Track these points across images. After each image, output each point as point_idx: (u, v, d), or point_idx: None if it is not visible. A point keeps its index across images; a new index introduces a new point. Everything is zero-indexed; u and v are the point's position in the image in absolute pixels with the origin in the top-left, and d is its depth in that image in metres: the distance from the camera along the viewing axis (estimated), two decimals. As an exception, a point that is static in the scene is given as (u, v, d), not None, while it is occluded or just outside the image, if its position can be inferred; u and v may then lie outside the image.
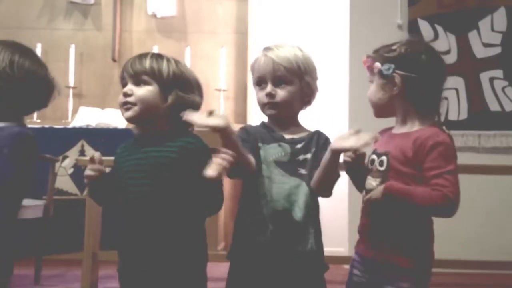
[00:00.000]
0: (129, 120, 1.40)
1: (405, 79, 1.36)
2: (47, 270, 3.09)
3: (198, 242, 1.39)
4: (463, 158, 3.37)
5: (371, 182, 1.38)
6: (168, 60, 1.43)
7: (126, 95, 1.38)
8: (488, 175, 3.15)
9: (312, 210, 1.43)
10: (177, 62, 1.44)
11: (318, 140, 1.47)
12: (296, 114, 1.52)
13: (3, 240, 1.34)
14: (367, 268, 1.43)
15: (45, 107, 1.53)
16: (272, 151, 1.44)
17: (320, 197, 1.46)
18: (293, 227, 1.40)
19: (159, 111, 1.39)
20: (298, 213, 1.40)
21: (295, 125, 1.51)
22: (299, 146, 1.45)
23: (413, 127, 1.38)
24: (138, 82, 1.39)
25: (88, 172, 1.36)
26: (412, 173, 1.32)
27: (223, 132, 1.30)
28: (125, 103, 1.38)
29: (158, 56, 1.43)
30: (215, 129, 1.29)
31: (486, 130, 3.56)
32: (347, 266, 3.43)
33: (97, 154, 1.37)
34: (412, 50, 1.38)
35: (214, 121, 1.29)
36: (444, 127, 1.37)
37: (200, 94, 1.46)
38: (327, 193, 1.44)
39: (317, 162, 1.42)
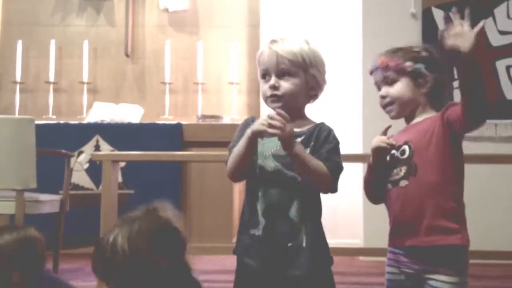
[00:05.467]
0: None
1: (434, 77, 1.49)
2: (65, 264, 3.13)
3: None
4: (479, 148, 3.37)
5: (397, 172, 1.44)
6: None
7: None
8: (508, 165, 3.10)
9: (308, 207, 1.39)
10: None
11: (319, 134, 1.43)
12: (302, 107, 1.49)
13: None
14: (403, 262, 1.43)
15: None
16: (271, 145, 1.41)
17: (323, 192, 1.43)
18: (284, 223, 1.37)
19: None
20: (290, 209, 1.38)
21: (301, 119, 1.47)
22: (298, 140, 1.41)
23: (425, 117, 1.50)
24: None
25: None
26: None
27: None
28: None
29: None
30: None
31: (503, 119, 3.51)
32: (362, 258, 3.46)
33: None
34: (433, 52, 1.52)
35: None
36: None
37: None
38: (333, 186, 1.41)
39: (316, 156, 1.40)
